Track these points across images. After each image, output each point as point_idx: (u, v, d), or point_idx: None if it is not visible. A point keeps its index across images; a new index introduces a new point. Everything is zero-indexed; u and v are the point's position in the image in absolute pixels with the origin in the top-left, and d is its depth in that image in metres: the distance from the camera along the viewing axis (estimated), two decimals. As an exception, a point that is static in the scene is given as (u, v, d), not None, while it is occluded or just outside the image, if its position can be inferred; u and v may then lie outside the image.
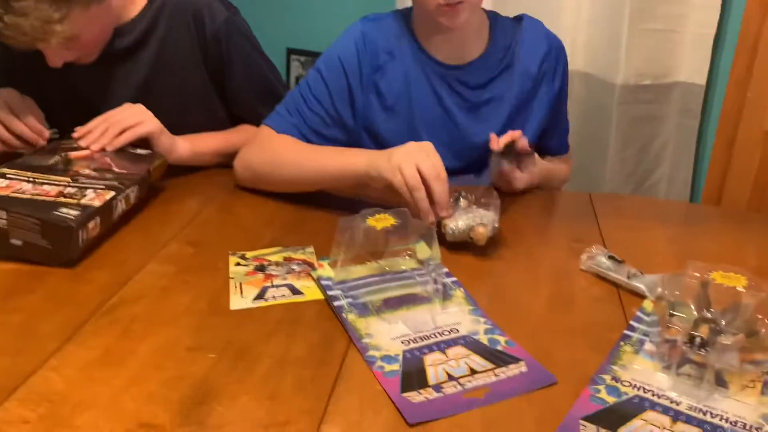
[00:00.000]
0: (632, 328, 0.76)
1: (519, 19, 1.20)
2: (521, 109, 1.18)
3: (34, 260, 0.85)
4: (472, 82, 1.15)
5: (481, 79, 1.16)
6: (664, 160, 1.86)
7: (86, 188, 0.93)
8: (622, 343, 0.73)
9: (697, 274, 0.75)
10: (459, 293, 0.82)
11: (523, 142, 1.07)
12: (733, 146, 1.71)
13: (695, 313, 0.72)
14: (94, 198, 0.91)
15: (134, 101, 1.14)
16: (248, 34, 1.25)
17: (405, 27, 1.15)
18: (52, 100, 1.20)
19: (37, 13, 0.95)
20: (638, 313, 0.79)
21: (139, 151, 1.09)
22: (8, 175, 0.93)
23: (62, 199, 0.89)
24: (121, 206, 0.96)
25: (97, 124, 1.08)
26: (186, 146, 1.17)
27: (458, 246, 0.93)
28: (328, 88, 1.13)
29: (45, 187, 0.92)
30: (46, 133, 1.09)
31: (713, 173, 1.77)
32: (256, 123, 1.19)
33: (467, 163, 1.18)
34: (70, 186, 0.93)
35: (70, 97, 1.20)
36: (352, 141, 1.16)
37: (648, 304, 0.80)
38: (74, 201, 0.89)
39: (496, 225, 0.93)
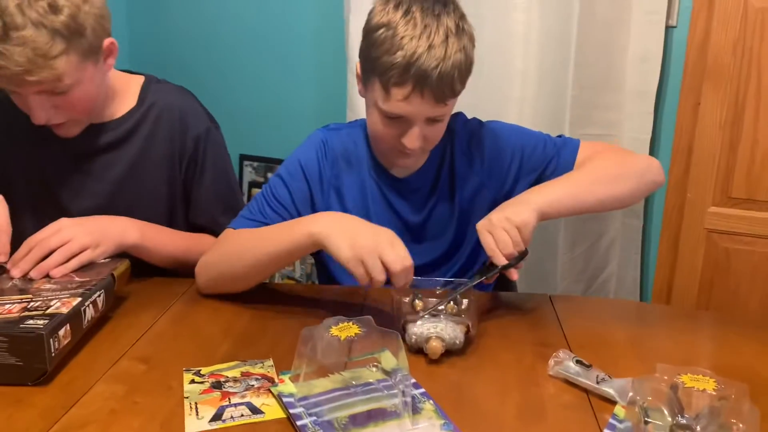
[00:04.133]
0: (607, 437, 0.74)
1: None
2: (471, 197, 1.19)
3: (8, 382, 0.80)
4: (422, 188, 1.18)
5: (427, 183, 1.18)
6: (613, 258, 1.91)
7: (51, 299, 0.89)
8: (598, 453, 0.71)
9: (666, 378, 0.75)
10: (429, 406, 0.79)
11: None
12: (677, 245, 1.77)
13: (669, 418, 0.71)
14: (60, 306, 0.87)
15: (107, 197, 1.18)
16: (224, 148, 1.30)
17: (363, 138, 1.19)
18: (18, 194, 1.16)
19: (33, 44, 0.97)
20: (611, 420, 0.77)
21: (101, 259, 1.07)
22: None
23: (27, 314, 0.85)
24: (90, 312, 0.93)
25: (28, 251, 1.01)
26: (134, 235, 1.11)
27: (424, 354, 0.91)
28: (290, 191, 1.15)
29: (6, 306, 0.88)
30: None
31: (661, 272, 1.83)
32: (215, 233, 1.19)
33: (430, 259, 1.19)
34: (33, 301, 0.89)
35: (38, 193, 1.18)
36: None
37: (620, 410, 0.79)
38: (40, 312, 0.85)
39: (458, 342, 0.91)
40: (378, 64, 1.02)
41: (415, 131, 1.05)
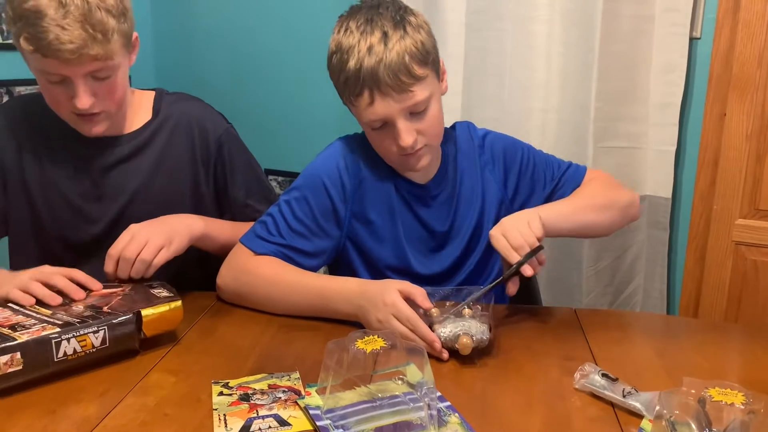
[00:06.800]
0: (634, 451, 0.74)
1: (452, 127, 1.25)
2: (483, 203, 1.21)
3: None
4: (441, 194, 1.20)
5: (446, 190, 1.20)
6: (638, 271, 1.89)
7: (45, 322, 0.89)
8: (625, 467, 0.71)
9: (693, 391, 0.74)
10: (454, 419, 0.79)
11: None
12: (704, 257, 1.75)
13: (697, 433, 0.70)
14: (27, 332, 0.86)
15: (128, 207, 1.21)
16: (242, 142, 1.34)
17: None
18: (41, 214, 1.22)
19: (91, 21, 1.03)
20: (638, 434, 0.77)
21: (165, 293, 1.02)
22: (14, 307, 0.94)
23: (5, 331, 0.86)
24: (70, 347, 0.87)
25: (115, 263, 1.08)
26: (200, 225, 1.18)
27: (449, 366, 0.92)
28: (311, 207, 1.15)
29: (19, 317, 0.90)
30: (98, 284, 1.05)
31: (688, 284, 1.80)
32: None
33: (452, 264, 1.20)
34: (42, 320, 0.90)
35: (61, 207, 1.22)
36: (337, 250, 1.19)
37: (647, 424, 0.78)
38: (7, 333, 0.86)
39: (485, 337, 0.94)
40: (339, 86, 1.09)
41: (402, 128, 1.06)
